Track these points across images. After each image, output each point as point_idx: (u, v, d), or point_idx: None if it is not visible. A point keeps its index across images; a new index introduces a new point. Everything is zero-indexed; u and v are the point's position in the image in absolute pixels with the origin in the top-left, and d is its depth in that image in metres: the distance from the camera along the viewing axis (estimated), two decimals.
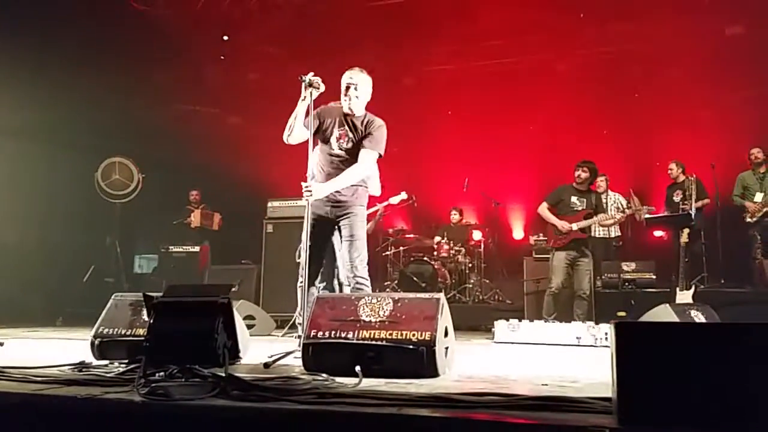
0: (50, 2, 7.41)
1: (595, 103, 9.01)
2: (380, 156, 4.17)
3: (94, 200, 7.32)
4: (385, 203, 6.58)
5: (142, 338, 3.02)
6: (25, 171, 7.83)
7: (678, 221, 7.00)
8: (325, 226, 4.19)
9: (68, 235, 7.28)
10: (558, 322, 5.39)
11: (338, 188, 4.05)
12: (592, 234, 7.93)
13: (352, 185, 4.12)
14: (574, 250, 6.14)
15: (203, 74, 9.77)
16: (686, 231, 6.58)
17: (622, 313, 6.45)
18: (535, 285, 7.18)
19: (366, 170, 4.12)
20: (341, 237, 4.15)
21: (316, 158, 4.18)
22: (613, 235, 8.02)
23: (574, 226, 6.09)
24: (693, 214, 6.85)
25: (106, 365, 3.05)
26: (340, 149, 4.18)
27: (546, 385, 2.75)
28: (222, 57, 9.81)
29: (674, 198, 7.65)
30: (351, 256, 4.05)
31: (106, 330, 3.44)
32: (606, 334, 4.91)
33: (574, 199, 6.22)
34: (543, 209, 6.35)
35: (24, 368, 2.83)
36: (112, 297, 3.65)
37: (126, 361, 3.02)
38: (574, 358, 4.22)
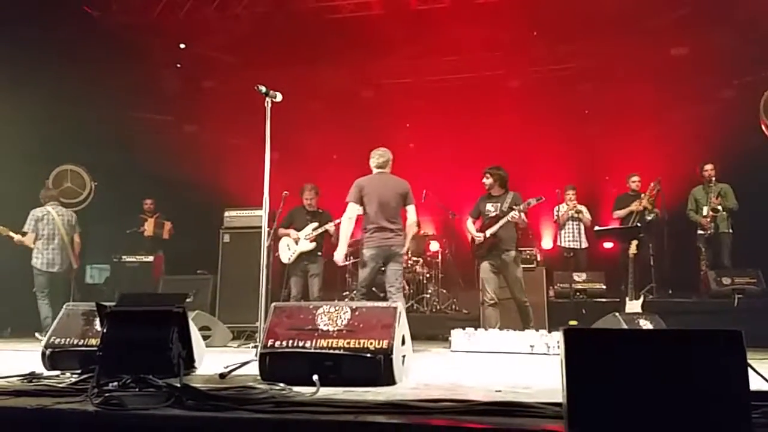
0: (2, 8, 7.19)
1: (547, 119, 9.27)
2: (350, 203, 5.58)
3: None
4: (337, 221, 6.61)
5: (95, 348, 2.96)
6: None
7: (626, 233, 7.24)
8: None
9: (17, 244, 7.04)
10: (512, 330, 5.48)
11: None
12: (570, 246, 8.14)
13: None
14: (497, 257, 6.05)
15: (159, 82, 9.61)
16: (635, 243, 6.80)
17: (574, 322, 6.62)
18: None
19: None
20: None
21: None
22: (583, 246, 8.22)
23: (488, 233, 6.07)
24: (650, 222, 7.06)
25: (57, 375, 2.98)
26: None
27: (500, 391, 2.82)
28: (178, 65, 9.68)
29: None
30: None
31: (58, 340, 3.36)
32: (558, 341, 5.03)
33: (488, 206, 6.23)
34: (467, 223, 6.43)
35: None
36: (64, 307, 3.57)
37: (78, 371, 2.95)
38: (528, 366, 4.32)
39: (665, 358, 1.89)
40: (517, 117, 9.24)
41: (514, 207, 5.96)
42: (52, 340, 3.37)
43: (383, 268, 5.56)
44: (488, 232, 6.06)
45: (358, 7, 8.66)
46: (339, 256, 5.65)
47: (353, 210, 5.55)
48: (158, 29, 8.91)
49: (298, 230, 7.02)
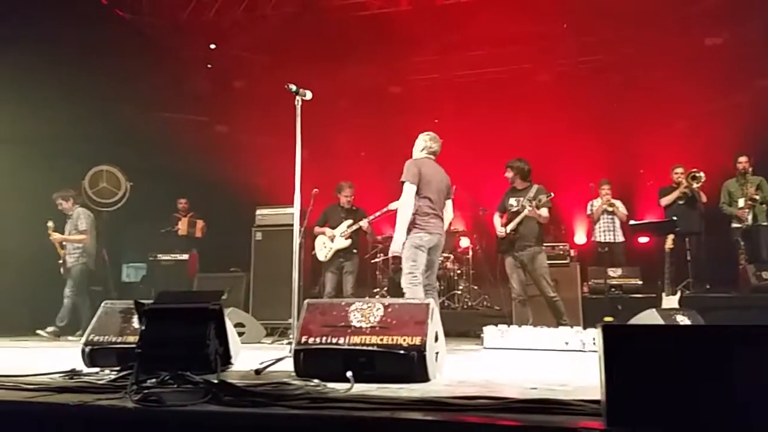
0: (36, 12, 7.37)
1: (578, 112, 9.13)
2: (408, 183, 4.92)
3: (88, 211, 7.34)
4: (384, 210, 6.63)
5: (133, 345, 3.02)
6: (10, 179, 7.76)
7: (662, 228, 7.08)
8: None
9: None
10: (546, 327, 5.41)
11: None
12: (604, 240, 7.99)
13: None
14: (517, 251, 5.97)
15: (190, 82, 9.76)
16: (671, 237, 6.66)
17: (609, 318, 6.50)
18: None
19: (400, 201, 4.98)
20: None
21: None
22: (618, 240, 8.07)
23: (508, 229, 6.01)
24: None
25: (97, 372, 3.05)
26: None
27: (535, 388, 2.78)
28: (209, 65, 9.81)
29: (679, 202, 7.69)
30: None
31: (97, 338, 3.43)
32: (593, 338, 4.95)
33: (512, 200, 6.15)
34: (494, 218, 6.35)
35: (15, 376, 2.82)
36: (102, 304, 3.64)
37: (117, 368, 3.01)
38: (563, 363, 4.26)
39: (705, 355, 1.84)
40: (547, 111, 9.11)
41: (530, 201, 5.88)
42: (91, 337, 3.45)
43: None
44: (508, 228, 6.01)
45: (386, 3, 8.66)
46: (398, 245, 4.91)
47: (413, 192, 4.93)
48: (188, 30, 9.05)
49: (333, 228, 7.05)
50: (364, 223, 6.95)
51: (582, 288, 7.38)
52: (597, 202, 8.05)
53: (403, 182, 4.91)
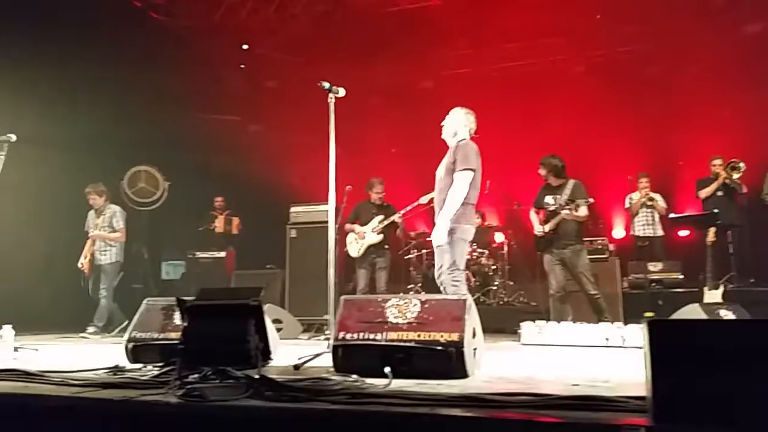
0: (72, 16, 7.56)
1: (615, 104, 8.93)
2: (469, 171, 4.45)
3: (123, 208, 7.47)
4: (415, 204, 6.62)
5: (174, 341, 3.08)
6: (53, 180, 7.97)
7: (703, 220, 6.90)
8: None
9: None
10: (585, 323, 5.32)
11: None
12: (643, 234, 7.83)
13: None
14: (557, 248, 5.86)
15: (224, 83, 9.90)
16: (712, 230, 6.49)
17: (650, 314, 6.36)
18: None
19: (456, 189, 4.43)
20: None
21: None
22: (658, 234, 7.91)
23: (547, 228, 5.88)
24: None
25: (139, 368, 3.11)
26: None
27: (577, 385, 2.74)
28: (242, 66, 9.93)
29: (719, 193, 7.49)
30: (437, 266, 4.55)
31: (139, 334, 3.50)
32: (636, 334, 4.86)
33: (548, 198, 6.01)
34: (531, 214, 6.23)
35: (61, 372, 2.90)
36: (144, 301, 3.72)
37: (159, 363, 3.07)
38: (604, 359, 4.18)
39: (752, 350, 1.80)
40: (583, 103, 8.94)
41: (568, 203, 5.73)
42: (134, 334, 3.53)
43: None
44: (547, 227, 5.89)
45: None
46: (443, 235, 4.40)
47: (470, 180, 4.46)
48: (221, 32, 9.17)
49: (364, 224, 7.07)
50: (397, 217, 6.94)
51: (621, 283, 7.25)
52: (635, 196, 7.89)
53: (465, 169, 4.41)
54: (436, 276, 4.59)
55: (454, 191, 4.41)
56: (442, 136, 4.75)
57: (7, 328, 4.22)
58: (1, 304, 5.11)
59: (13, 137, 5.20)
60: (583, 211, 5.80)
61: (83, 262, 7.19)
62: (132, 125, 8.67)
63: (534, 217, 6.15)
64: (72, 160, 8.16)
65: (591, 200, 5.81)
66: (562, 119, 9.10)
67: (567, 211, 5.73)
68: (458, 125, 4.69)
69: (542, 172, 6.04)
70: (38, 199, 7.68)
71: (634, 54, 9.01)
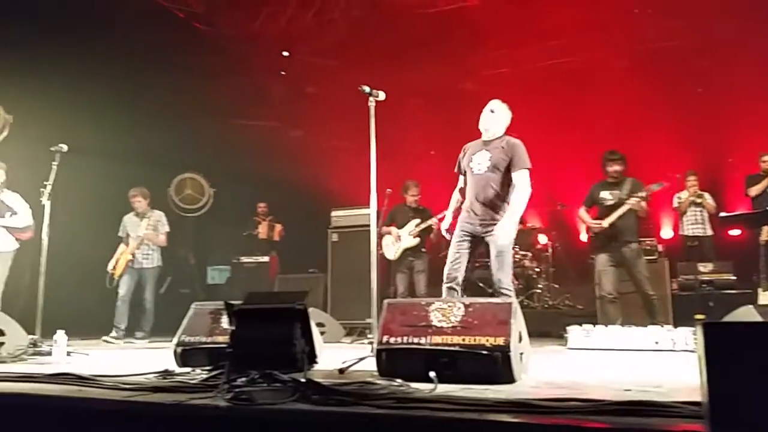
0: (118, 29, 7.81)
1: (660, 100, 8.70)
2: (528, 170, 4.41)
3: (168, 215, 7.62)
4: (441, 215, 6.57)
5: (222, 345, 3.13)
6: (102, 188, 8.21)
7: (756, 218, 6.64)
8: (475, 242, 4.47)
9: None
10: (634, 326, 5.18)
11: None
12: (693, 233, 7.62)
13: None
14: (617, 250, 5.70)
15: (265, 90, 10.04)
16: (766, 228, 6.25)
17: (701, 316, 6.16)
18: None
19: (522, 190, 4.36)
20: (489, 251, 4.39)
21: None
22: (708, 234, 7.67)
23: (605, 223, 5.72)
24: None
25: (188, 372, 3.17)
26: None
27: (628, 390, 2.66)
28: (282, 72, 10.05)
29: None
30: (495, 269, 4.33)
31: (188, 338, 3.57)
32: (686, 337, 4.72)
33: (605, 193, 5.85)
34: (580, 212, 6.08)
35: (113, 376, 2.98)
36: (192, 306, 3.78)
37: (208, 367, 3.12)
38: (654, 363, 4.07)
39: None
40: (627, 99, 8.73)
41: (634, 194, 5.60)
42: (182, 338, 3.60)
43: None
44: (606, 222, 5.73)
45: None
46: (511, 238, 4.33)
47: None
48: (261, 40, 9.31)
49: (400, 227, 7.07)
50: (433, 221, 6.92)
51: (671, 284, 7.05)
52: (683, 195, 7.68)
53: (526, 168, 4.37)
54: (494, 280, 4.34)
55: (523, 191, 4.33)
56: (487, 128, 4.56)
57: (61, 333, 4.35)
58: (53, 310, 5.27)
59: (65, 147, 5.40)
60: (644, 205, 5.69)
61: (115, 265, 7.06)
62: (176, 133, 8.88)
63: (585, 215, 6.01)
64: (119, 169, 8.40)
65: (663, 184, 5.66)
66: (604, 117, 8.92)
67: (636, 200, 5.56)
68: (506, 119, 4.62)
69: (618, 167, 5.86)
70: (87, 207, 7.92)
71: (680, 48, 8.73)
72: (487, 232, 4.37)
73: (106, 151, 8.18)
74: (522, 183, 4.34)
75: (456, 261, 4.47)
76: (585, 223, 6.03)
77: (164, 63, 8.40)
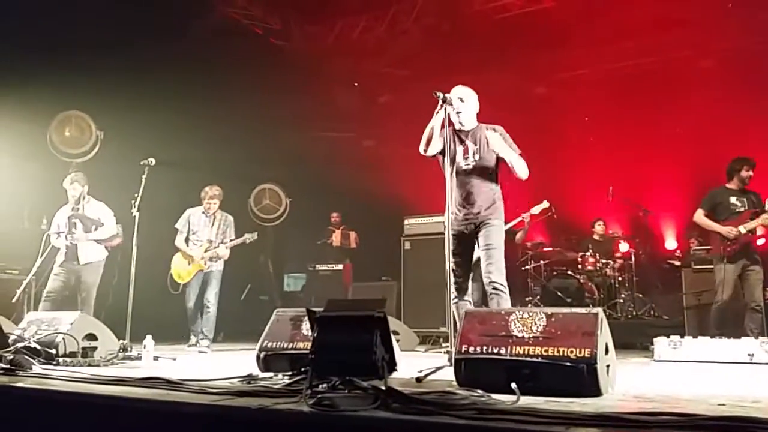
0: (202, 48, 8.17)
1: (747, 100, 8.20)
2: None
3: (248, 225, 7.86)
4: (528, 213, 6.46)
5: (303, 351, 3.19)
6: (188, 199, 8.56)
7: None
8: (468, 242, 4.34)
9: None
10: (725, 338, 4.90)
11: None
12: None
13: (490, 200, 4.30)
14: (745, 258, 5.51)
15: (339, 101, 10.22)
16: None
17: None
18: (696, 298, 6.58)
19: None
20: (479, 248, 4.30)
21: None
22: None
23: (742, 229, 5.47)
24: None
25: (271, 377, 3.24)
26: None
27: (723, 404, 2.52)
28: (356, 84, 10.21)
29: None
30: (486, 262, 4.20)
31: (270, 344, 3.66)
32: None
33: (733, 199, 5.62)
34: (699, 216, 5.77)
35: (200, 381, 3.08)
36: (275, 312, 3.88)
37: (289, 372, 3.18)
38: (749, 377, 3.83)
39: None
40: (713, 101, 8.29)
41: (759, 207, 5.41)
42: (265, 344, 3.70)
43: None
44: (745, 228, 5.48)
45: (528, 2, 8.44)
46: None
47: None
48: (335, 52, 9.49)
49: None
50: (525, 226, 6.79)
51: (765, 293, 6.60)
52: None
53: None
54: (485, 279, 4.23)
55: (523, 166, 4.38)
56: (461, 120, 4.39)
57: (149, 338, 4.55)
58: (142, 316, 5.52)
59: (153, 161, 5.68)
60: None
61: (188, 269, 6.80)
62: (256, 146, 9.17)
63: (704, 219, 5.73)
64: (202, 180, 8.76)
65: None
66: (689, 119, 8.50)
67: None
68: (476, 107, 4.49)
69: (750, 173, 5.67)
70: (173, 217, 8.28)
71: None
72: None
73: (190, 164, 8.54)
74: (522, 164, 4.43)
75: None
76: (711, 229, 5.73)
77: (243, 77, 8.71)
